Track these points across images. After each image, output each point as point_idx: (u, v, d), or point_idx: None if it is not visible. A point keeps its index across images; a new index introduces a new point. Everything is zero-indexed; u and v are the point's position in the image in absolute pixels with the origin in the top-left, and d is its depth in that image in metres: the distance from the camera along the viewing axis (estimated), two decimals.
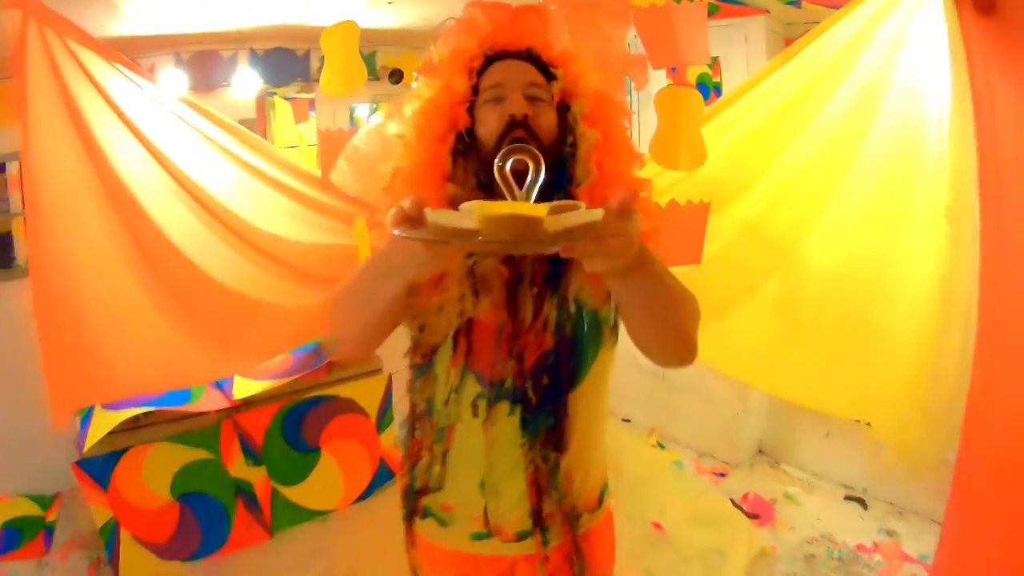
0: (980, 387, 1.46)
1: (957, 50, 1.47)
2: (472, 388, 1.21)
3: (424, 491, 1.30)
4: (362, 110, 4.32)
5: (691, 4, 1.83)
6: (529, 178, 0.97)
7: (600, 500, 1.37)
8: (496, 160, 0.99)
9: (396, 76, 3.46)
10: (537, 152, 0.98)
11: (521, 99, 1.16)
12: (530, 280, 1.19)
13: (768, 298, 2.17)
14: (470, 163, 1.20)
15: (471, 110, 1.21)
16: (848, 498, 2.94)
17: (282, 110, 3.59)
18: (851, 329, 2.01)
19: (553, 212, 0.83)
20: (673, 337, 1.14)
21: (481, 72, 1.22)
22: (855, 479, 2.97)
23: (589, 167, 1.18)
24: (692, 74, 2.98)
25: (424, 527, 1.33)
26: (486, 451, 1.23)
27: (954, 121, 1.66)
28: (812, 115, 1.98)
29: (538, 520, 1.25)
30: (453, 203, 1.13)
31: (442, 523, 1.30)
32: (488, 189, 1.15)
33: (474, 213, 0.82)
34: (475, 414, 1.21)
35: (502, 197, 0.99)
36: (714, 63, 2.92)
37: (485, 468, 1.24)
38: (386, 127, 2.01)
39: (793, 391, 2.24)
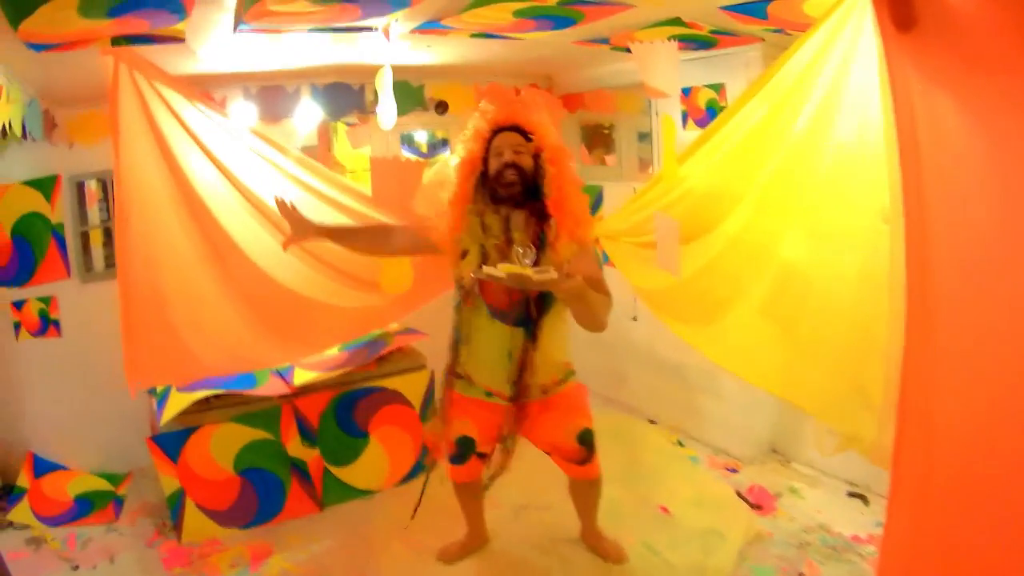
0: (911, 379, 1.53)
1: (882, 66, 1.55)
2: (486, 316, 2.33)
3: (457, 368, 2.45)
4: (418, 136, 4.76)
5: (662, 44, 2.12)
6: (528, 256, 2.15)
7: (561, 381, 2.48)
8: (515, 246, 2.21)
9: (442, 107, 3.81)
10: (530, 243, 2.20)
11: (511, 153, 2.27)
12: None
13: (756, 301, 2.39)
14: (485, 190, 2.32)
15: (486, 161, 2.32)
16: (851, 494, 3.08)
17: (343, 135, 3.87)
18: (815, 327, 2.22)
19: (535, 272, 1.96)
20: (590, 322, 2.24)
21: (490, 140, 2.31)
22: (859, 476, 3.11)
23: (552, 188, 2.25)
24: (703, 100, 3.25)
25: (458, 385, 2.47)
26: (492, 349, 2.35)
27: (887, 132, 1.85)
28: (782, 134, 2.18)
29: (518, 386, 2.36)
30: (474, 215, 2.33)
31: (467, 386, 2.46)
32: (496, 201, 2.30)
33: (501, 269, 1.96)
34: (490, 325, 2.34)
35: (502, 230, 2.28)
36: (720, 89, 3.15)
37: (491, 358, 2.36)
38: (445, 168, 2.69)
39: (770, 383, 2.43)
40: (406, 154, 4.56)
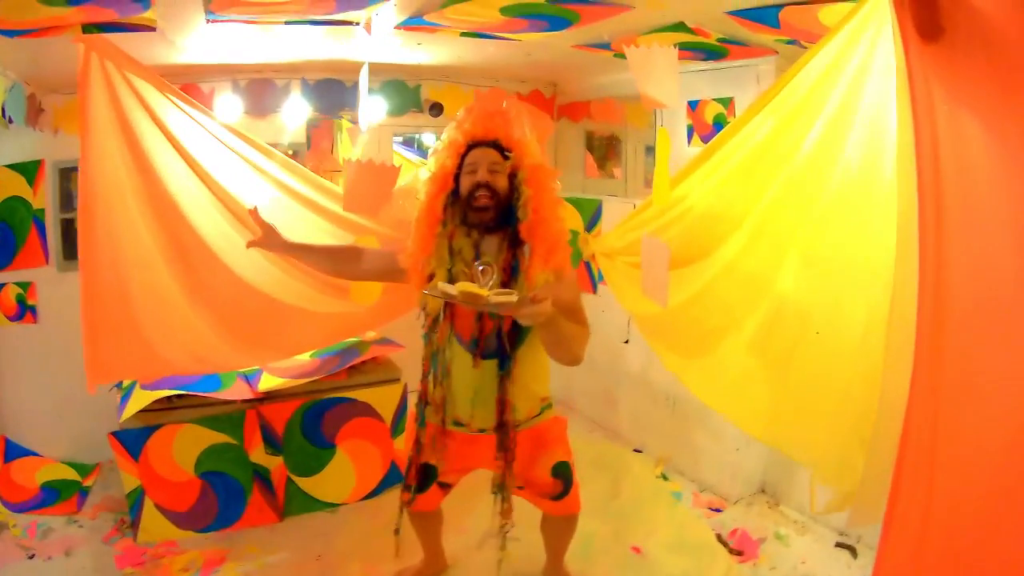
0: (914, 425, 1.34)
1: (902, 80, 1.38)
2: (456, 345, 2.11)
3: (428, 399, 2.19)
4: (426, 139, 4.63)
5: (660, 49, 1.92)
6: (488, 276, 1.91)
7: (539, 412, 2.27)
8: (475, 263, 1.96)
9: (436, 109, 3.67)
10: (494, 264, 1.95)
11: (486, 172, 2.03)
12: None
13: (747, 334, 2.20)
14: (456, 210, 2.08)
15: (458, 178, 2.08)
16: (839, 545, 2.87)
17: (347, 134, 3.73)
18: (812, 370, 2.02)
19: (494, 294, 1.72)
20: (562, 355, 2.04)
21: (465, 155, 2.08)
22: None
23: (527, 211, 2.01)
24: (709, 115, 3.07)
25: (429, 415, 2.20)
26: (463, 381, 2.12)
27: (902, 153, 1.59)
28: (789, 153, 1.97)
29: (497, 423, 2.14)
30: (442, 237, 2.07)
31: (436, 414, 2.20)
32: (465, 223, 2.07)
33: (456, 287, 1.72)
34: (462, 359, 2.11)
35: (472, 258, 2.04)
36: (729, 104, 2.97)
37: (462, 390, 2.14)
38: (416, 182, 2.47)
39: (759, 428, 2.25)
40: (408, 156, 4.43)
